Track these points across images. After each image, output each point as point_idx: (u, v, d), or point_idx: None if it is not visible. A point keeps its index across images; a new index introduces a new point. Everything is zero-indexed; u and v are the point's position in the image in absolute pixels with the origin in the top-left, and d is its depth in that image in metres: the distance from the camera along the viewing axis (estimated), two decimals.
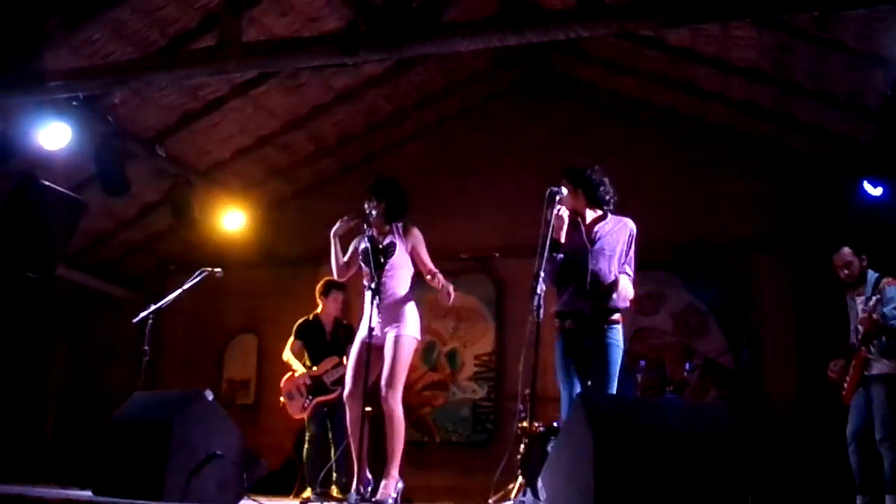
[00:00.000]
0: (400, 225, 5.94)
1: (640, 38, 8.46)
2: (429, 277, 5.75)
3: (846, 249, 6.52)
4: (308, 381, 7.55)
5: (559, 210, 5.11)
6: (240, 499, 4.56)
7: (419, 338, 5.88)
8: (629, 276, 5.19)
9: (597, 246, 5.18)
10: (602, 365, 5.05)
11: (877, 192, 7.78)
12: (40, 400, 10.42)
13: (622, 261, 5.21)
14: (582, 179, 5.26)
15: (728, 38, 7.80)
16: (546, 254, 4.89)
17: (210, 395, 4.50)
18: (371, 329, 5.40)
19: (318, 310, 7.76)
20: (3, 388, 9.76)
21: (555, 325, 5.26)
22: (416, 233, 5.92)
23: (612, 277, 5.14)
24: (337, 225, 5.81)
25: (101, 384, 10.31)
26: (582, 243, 5.19)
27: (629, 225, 5.29)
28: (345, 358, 7.33)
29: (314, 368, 7.57)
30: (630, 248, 5.25)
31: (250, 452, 4.65)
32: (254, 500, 5.16)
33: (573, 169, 5.32)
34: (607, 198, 5.31)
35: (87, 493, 4.31)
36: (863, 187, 7.85)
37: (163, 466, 4.19)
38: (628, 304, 5.18)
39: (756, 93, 8.55)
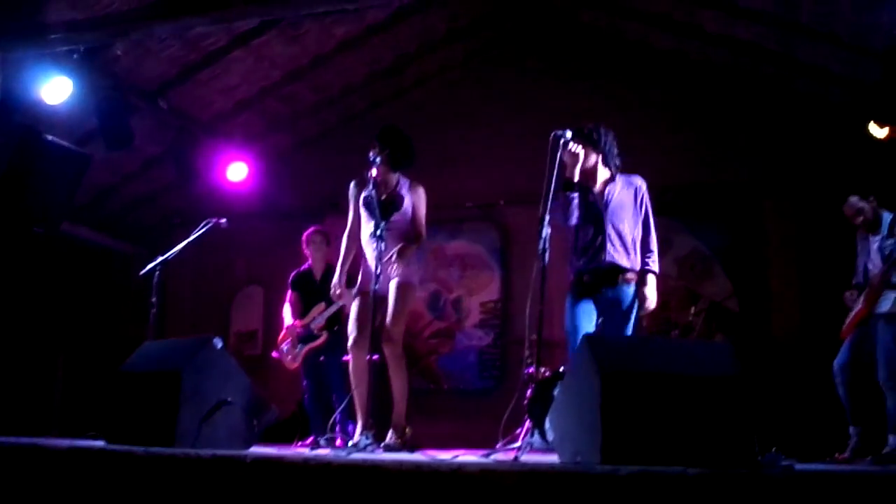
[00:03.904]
0: (407, 181, 5.96)
1: None
2: (406, 243, 5.81)
3: (853, 198, 6.53)
4: (298, 331, 7.63)
5: (574, 147, 5.15)
6: (250, 445, 4.60)
7: (417, 286, 5.96)
8: (651, 235, 5.33)
9: (611, 208, 5.27)
10: (617, 316, 5.16)
11: (882, 133, 7.74)
12: (49, 354, 10.48)
13: (636, 219, 5.30)
14: (597, 141, 5.33)
15: None
16: (555, 193, 4.94)
17: (219, 343, 4.53)
18: (378, 277, 5.42)
19: (310, 260, 7.85)
20: (12, 343, 9.82)
21: (571, 280, 5.33)
22: (421, 192, 5.98)
23: (631, 237, 5.26)
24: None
25: (108, 338, 10.37)
26: (596, 206, 5.28)
27: (638, 181, 5.40)
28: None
29: (304, 318, 7.67)
30: (642, 203, 5.36)
31: (260, 399, 4.68)
32: (263, 446, 5.23)
33: (588, 131, 5.36)
34: (616, 161, 5.39)
35: (100, 443, 4.36)
36: (869, 129, 7.81)
37: (174, 414, 4.23)
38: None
39: (761, 35, 8.46)
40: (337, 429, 6.99)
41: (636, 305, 5.22)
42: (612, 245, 5.20)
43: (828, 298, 6.90)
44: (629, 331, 5.19)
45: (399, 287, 5.76)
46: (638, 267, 5.26)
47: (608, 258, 5.18)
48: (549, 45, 10.27)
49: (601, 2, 9.44)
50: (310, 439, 7.30)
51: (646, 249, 5.31)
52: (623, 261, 5.20)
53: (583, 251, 5.27)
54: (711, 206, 9.32)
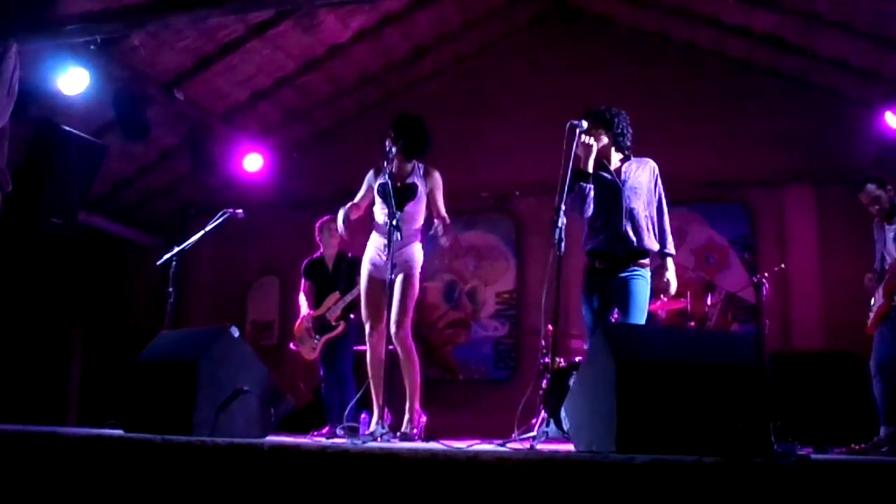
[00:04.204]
0: (422, 166, 5.96)
1: None
2: (436, 222, 5.83)
3: (870, 186, 6.49)
4: (313, 323, 7.65)
5: (587, 139, 5.15)
6: (267, 433, 4.62)
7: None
8: (665, 218, 5.34)
9: (628, 185, 5.27)
10: (630, 302, 5.14)
11: None
12: (65, 344, 10.55)
13: (650, 199, 5.28)
14: (609, 121, 5.33)
15: None
16: (571, 184, 4.94)
17: (236, 332, 4.55)
18: (394, 266, 5.42)
19: (322, 248, 7.87)
20: (28, 333, 9.88)
21: (584, 263, 5.33)
22: (437, 176, 5.97)
23: (646, 215, 5.26)
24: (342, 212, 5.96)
25: (125, 329, 10.43)
26: (613, 183, 5.27)
27: (651, 164, 5.41)
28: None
29: (318, 308, 7.68)
30: (657, 186, 5.36)
31: (277, 388, 4.70)
32: (280, 436, 5.25)
33: (601, 111, 5.38)
34: (629, 143, 5.40)
35: (118, 432, 4.38)
36: (886, 119, 7.78)
37: (191, 403, 4.24)
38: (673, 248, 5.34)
39: (778, 25, 8.42)
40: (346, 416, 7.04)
41: (650, 292, 5.21)
42: (629, 224, 5.20)
43: (846, 289, 6.87)
44: (642, 318, 5.18)
45: (404, 280, 5.77)
46: (655, 248, 5.26)
47: (623, 238, 5.17)
48: (563, 36, 10.24)
49: None
50: (326, 429, 7.33)
51: (662, 231, 5.31)
52: (637, 241, 5.19)
53: (599, 230, 5.26)
54: (727, 197, 9.29)
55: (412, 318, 5.90)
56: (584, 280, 5.31)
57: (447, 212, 5.99)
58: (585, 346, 5.32)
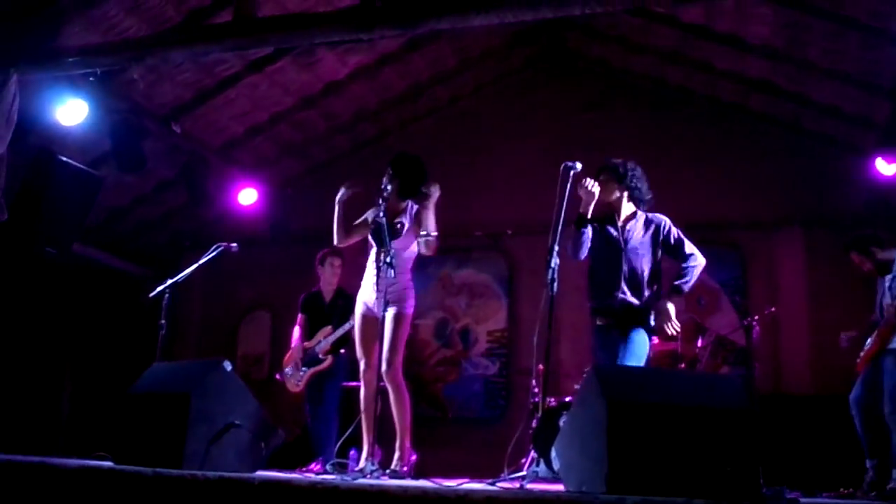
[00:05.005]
0: (415, 207, 5.97)
1: (654, 15, 8.45)
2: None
3: (852, 255, 6.65)
4: (302, 354, 7.64)
5: (591, 185, 5.19)
6: (258, 467, 4.61)
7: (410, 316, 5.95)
8: (689, 262, 5.34)
9: (630, 245, 5.32)
10: (627, 356, 5.16)
11: (891, 169, 7.78)
12: (56, 375, 10.50)
13: (654, 258, 5.32)
14: (622, 175, 5.39)
15: (743, 15, 7.79)
16: (566, 227, 4.97)
17: (228, 366, 4.55)
18: (387, 304, 5.45)
19: (320, 282, 7.86)
20: (20, 363, 9.84)
21: (591, 320, 5.41)
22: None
23: (647, 274, 5.28)
24: (340, 192, 5.91)
25: (116, 359, 10.39)
26: (617, 242, 5.32)
27: (659, 219, 5.43)
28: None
29: (310, 340, 7.67)
30: (669, 236, 5.37)
31: (268, 422, 4.70)
32: (271, 471, 5.23)
33: (615, 165, 5.44)
34: (645, 198, 5.44)
35: (108, 463, 4.37)
36: (877, 165, 7.86)
37: (182, 436, 4.23)
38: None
39: (770, 71, 8.53)
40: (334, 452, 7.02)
41: (647, 349, 5.22)
42: (626, 284, 5.23)
43: (836, 332, 6.90)
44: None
45: (395, 316, 5.75)
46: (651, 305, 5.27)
47: (620, 297, 5.20)
48: (558, 78, 10.35)
49: (611, 36, 9.52)
50: (313, 464, 7.29)
51: (679, 273, 5.30)
52: (636, 300, 5.22)
53: (598, 287, 5.32)
54: (719, 240, 9.33)
55: (403, 354, 5.89)
56: (592, 333, 5.39)
57: (437, 251, 5.98)
58: (577, 387, 5.32)
